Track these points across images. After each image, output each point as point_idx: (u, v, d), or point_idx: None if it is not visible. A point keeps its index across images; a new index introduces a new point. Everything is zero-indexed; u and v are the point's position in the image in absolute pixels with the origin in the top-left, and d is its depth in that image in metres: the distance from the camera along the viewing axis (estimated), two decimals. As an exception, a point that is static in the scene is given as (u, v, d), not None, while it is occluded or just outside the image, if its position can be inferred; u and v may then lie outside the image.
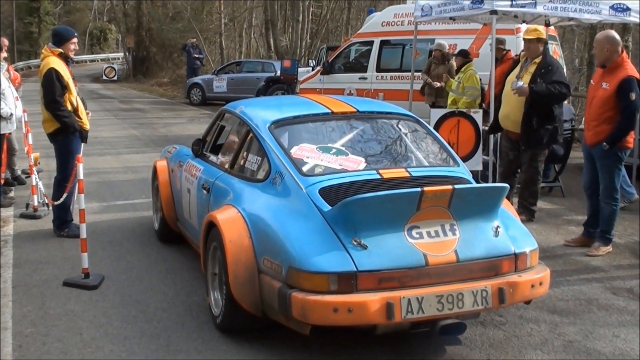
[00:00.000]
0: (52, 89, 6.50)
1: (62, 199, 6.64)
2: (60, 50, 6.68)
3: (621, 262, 6.22)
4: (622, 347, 4.44)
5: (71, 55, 6.83)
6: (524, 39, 7.35)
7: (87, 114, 7.14)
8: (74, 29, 7.28)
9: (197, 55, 25.25)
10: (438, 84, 10.75)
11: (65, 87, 6.56)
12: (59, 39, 6.73)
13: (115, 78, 38.07)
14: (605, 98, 6.21)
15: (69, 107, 6.63)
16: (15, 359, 4.27)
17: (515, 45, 10.28)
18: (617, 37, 6.39)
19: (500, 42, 9.68)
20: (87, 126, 6.91)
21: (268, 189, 4.52)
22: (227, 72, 23.50)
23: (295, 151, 4.63)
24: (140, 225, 7.33)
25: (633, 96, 6.13)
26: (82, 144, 6.93)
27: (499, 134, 8.15)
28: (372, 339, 4.31)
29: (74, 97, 6.69)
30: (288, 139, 4.83)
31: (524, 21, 9.81)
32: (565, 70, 11.60)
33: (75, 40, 6.83)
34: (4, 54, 8.95)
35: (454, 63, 10.83)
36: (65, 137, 6.67)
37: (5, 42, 9.30)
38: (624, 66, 6.24)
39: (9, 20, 48.62)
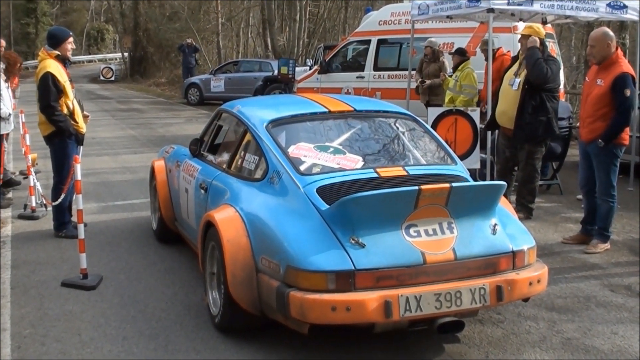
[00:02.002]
0: (47, 94, 6.48)
1: (59, 201, 6.64)
2: (57, 52, 6.67)
3: (619, 259, 6.23)
4: (621, 344, 4.45)
5: (69, 55, 6.82)
6: (521, 34, 7.36)
7: (87, 116, 7.15)
8: (69, 29, 7.26)
9: (193, 61, 25.03)
10: (428, 82, 10.76)
11: (61, 91, 6.54)
12: (55, 41, 6.71)
13: (112, 78, 38.04)
14: (600, 95, 6.22)
15: (65, 111, 6.61)
16: (14, 359, 4.27)
17: (513, 43, 10.28)
18: (612, 33, 6.42)
19: (486, 42, 9.68)
20: (84, 130, 6.89)
21: (266, 188, 4.52)
22: (225, 72, 23.51)
23: (292, 150, 4.63)
24: (138, 225, 7.33)
25: (628, 92, 6.15)
26: (80, 147, 6.93)
27: (497, 131, 8.16)
28: (371, 338, 4.31)
29: (70, 101, 6.66)
30: (285, 138, 4.83)
31: (520, 19, 9.81)
32: (562, 67, 11.61)
33: (71, 40, 6.82)
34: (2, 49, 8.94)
35: (445, 60, 10.85)
36: (61, 140, 6.66)
37: (3, 43, 9.30)
38: (618, 63, 6.25)
39: (6, 21, 48.62)
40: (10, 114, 8.62)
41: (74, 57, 7.06)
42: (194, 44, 26.72)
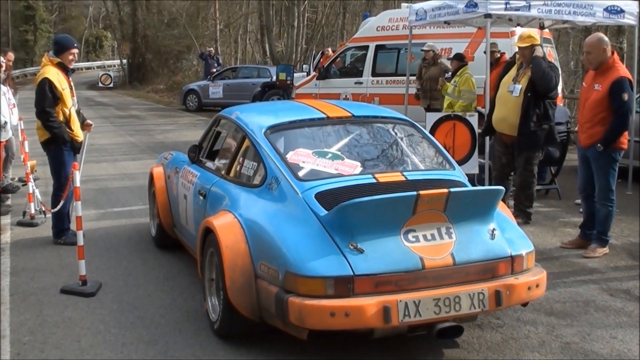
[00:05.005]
0: (43, 100, 6.51)
1: (58, 207, 6.64)
2: (59, 59, 6.69)
3: (618, 264, 6.23)
4: (620, 348, 4.45)
5: (69, 65, 6.81)
6: (518, 46, 7.32)
7: (90, 125, 7.14)
8: (74, 39, 7.25)
9: (214, 69, 24.67)
10: (439, 87, 10.75)
11: (58, 98, 6.55)
12: (58, 48, 6.73)
13: (111, 85, 38.10)
14: (598, 99, 6.23)
15: (61, 118, 6.62)
16: (13, 367, 4.28)
17: (511, 48, 10.32)
18: (607, 38, 6.44)
19: (493, 45, 9.71)
20: (80, 138, 6.88)
21: (264, 194, 4.52)
22: (223, 78, 23.52)
23: (291, 156, 4.63)
24: (137, 231, 7.33)
25: (625, 97, 6.15)
26: (77, 154, 6.92)
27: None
28: (370, 343, 4.31)
29: (67, 108, 6.65)
30: (284, 144, 4.83)
31: (518, 24, 9.84)
32: (560, 72, 11.66)
33: (74, 50, 6.79)
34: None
35: (445, 62, 10.88)
36: (57, 147, 6.66)
37: (11, 56, 9.30)
38: (615, 67, 6.26)
39: (4, 28, 48.64)
40: (6, 122, 8.63)
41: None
42: (215, 54, 26.78)
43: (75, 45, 6.89)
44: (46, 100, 6.50)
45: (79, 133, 6.85)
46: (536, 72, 7.05)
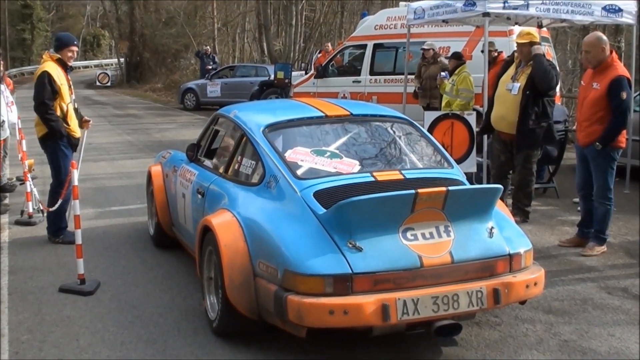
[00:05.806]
0: (42, 92, 6.55)
1: (56, 206, 6.64)
2: (58, 55, 6.72)
3: (615, 262, 6.24)
4: (617, 345, 4.46)
5: (69, 62, 6.84)
6: (517, 42, 7.34)
7: (88, 121, 7.14)
8: (75, 37, 7.30)
9: (209, 67, 24.51)
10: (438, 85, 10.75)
11: (56, 92, 6.58)
12: (59, 45, 6.81)
13: (108, 84, 38.05)
14: (597, 98, 6.24)
15: (58, 113, 6.64)
16: (12, 365, 4.28)
17: (509, 47, 10.32)
18: (605, 37, 6.44)
19: (490, 44, 9.72)
20: (77, 134, 6.90)
21: (263, 193, 4.52)
22: (221, 77, 23.50)
23: (289, 155, 4.63)
24: (135, 230, 7.33)
25: (624, 95, 6.16)
26: (75, 152, 6.93)
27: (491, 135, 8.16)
28: (369, 341, 4.32)
29: (65, 104, 6.68)
30: (282, 143, 4.83)
31: (516, 23, 9.85)
32: (559, 71, 11.69)
33: (74, 48, 6.85)
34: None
35: (445, 60, 10.89)
36: (54, 142, 6.68)
37: None
38: (614, 66, 6.26)
39: (2, 27, 48.60)
40: (4, 121, 8.62)
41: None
42: (211, 53, 26.72)
43: (75, 42, 6.95)
44: (45, 92, 6.54)
45: (75, 129, 6.87)
46: (538, 70, 7.06)
